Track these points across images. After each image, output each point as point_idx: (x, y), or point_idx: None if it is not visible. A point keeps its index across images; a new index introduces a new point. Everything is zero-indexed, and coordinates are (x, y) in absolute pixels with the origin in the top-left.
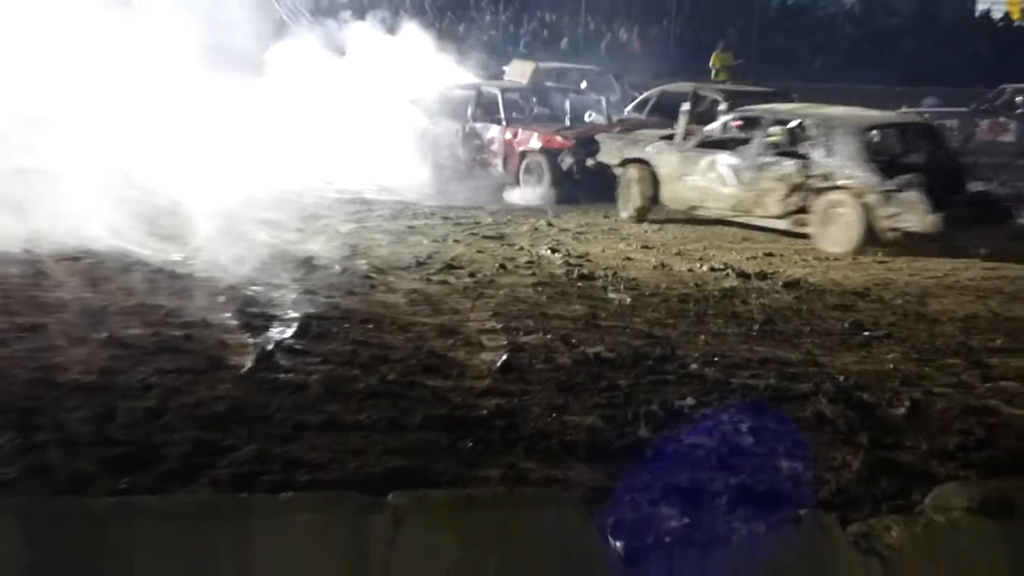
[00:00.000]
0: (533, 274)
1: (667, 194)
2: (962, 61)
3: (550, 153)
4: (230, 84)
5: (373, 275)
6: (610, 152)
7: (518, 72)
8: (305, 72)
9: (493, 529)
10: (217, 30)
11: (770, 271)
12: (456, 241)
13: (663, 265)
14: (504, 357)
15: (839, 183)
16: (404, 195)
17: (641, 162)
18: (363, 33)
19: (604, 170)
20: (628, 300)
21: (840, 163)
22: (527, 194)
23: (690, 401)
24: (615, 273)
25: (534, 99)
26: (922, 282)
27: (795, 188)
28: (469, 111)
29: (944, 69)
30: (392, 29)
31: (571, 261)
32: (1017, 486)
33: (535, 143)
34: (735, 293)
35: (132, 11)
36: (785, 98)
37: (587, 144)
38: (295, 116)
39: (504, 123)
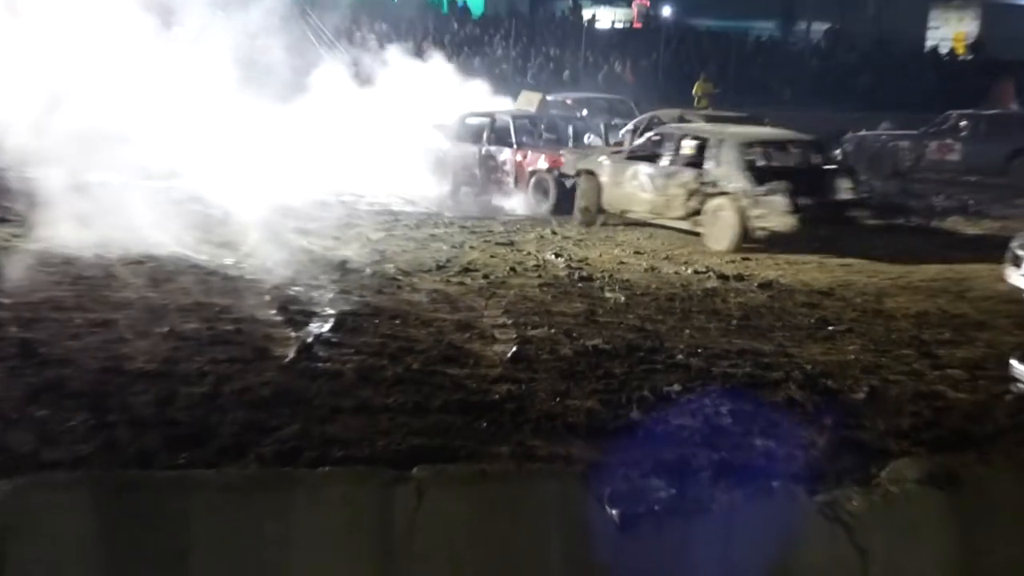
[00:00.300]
0: (539, 276)
1: (606, 199)
2: (913, 91)
3: (555, 172)
4: (274, 107)
5: (400, 277)
6: (570, 164)
7: (526, 101)
8: (340, 97)
9: (504, 499)
10: (261, 57)
11: (746, 273)
12: (472, 247)
13: (653, 268)
14: (514, 349)
15: (722, 189)
16: (427, 207)
17: (590, 172)
18: (393, 64)
19: None
20: (622, 299)
21: (724, 172)
22: (535, 207)
23: (677, 387)
24: (611, 275)
25: (541, 125)
26: (879, 283)
27: (692, 194)
28: (484, 136)
29: (898, 97)
30: (416, 62)
31: (572, 265)
32: (962, 461)
33: (543, 163)
34: (716, 293)
35: (179, 37)
36: (758, 122)
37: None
38: (332, 136)
39: (515, 146)
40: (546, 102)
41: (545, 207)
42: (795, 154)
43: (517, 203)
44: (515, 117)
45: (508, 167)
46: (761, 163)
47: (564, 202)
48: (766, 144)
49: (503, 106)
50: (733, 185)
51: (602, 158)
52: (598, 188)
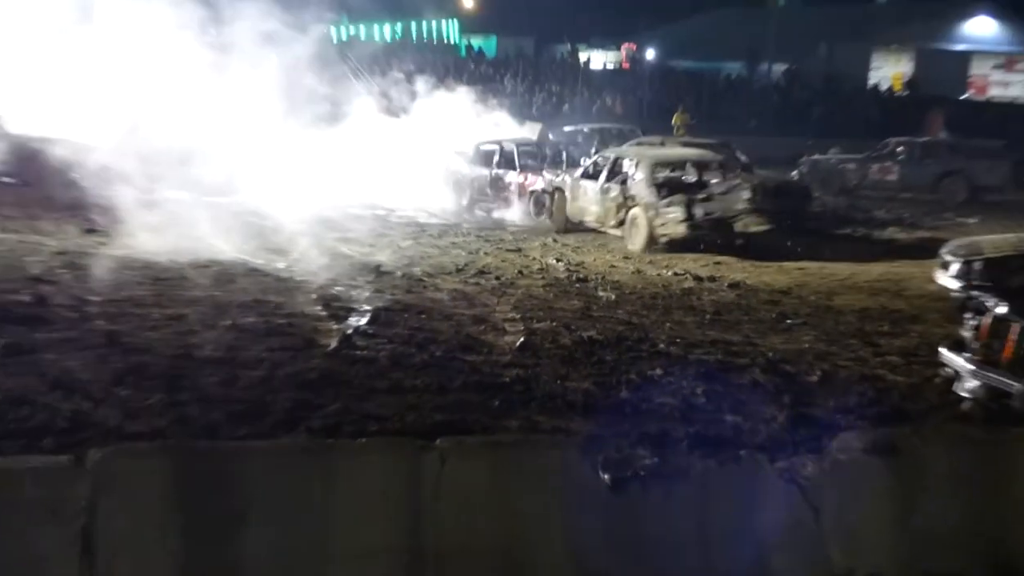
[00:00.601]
0: (543, 278)
1: (570, 211)
2: (858, 121)
3: (542, 191)
4: (320, 133)
5: (425, 278)
6: (547, 183)
7: (529, 130)
8: (374, 125)
9: (514, 465)
10: (309, 90)
11: (718, 275)
12: (486, 254)
13: (639, 271)
14: (521, 339)
15: (637, 202)
16: (448, 219)
17: (558, 189)
18: (419, 97)
19: None
20: (613, 297)
21: (638, 188)
22: (534, 220)
23: (659, 371)
24: (603, 277)
25: (543, 151)
26: (830, 284)
27: (619, 206)
28: (495, 160)
29: (845, 127)
30: (440, 95)
31: (571, 268)
32: (899, 433)
33: (540, 183)
34: (692, 292)
35: (239, 72)
36: (728, 148)
37: None
38: (366, 158)
39: (519, 169)
40: (546, 131)
41: (542, 219)
42: (704, 171)
43: (520, 216)
44: (519, 144)
45: (513, 187)
46: (669, 179)
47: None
48: (676, 164)
49: (511, 134)
50: (644, 198)
51: (565, 177)
52: (564, 202)
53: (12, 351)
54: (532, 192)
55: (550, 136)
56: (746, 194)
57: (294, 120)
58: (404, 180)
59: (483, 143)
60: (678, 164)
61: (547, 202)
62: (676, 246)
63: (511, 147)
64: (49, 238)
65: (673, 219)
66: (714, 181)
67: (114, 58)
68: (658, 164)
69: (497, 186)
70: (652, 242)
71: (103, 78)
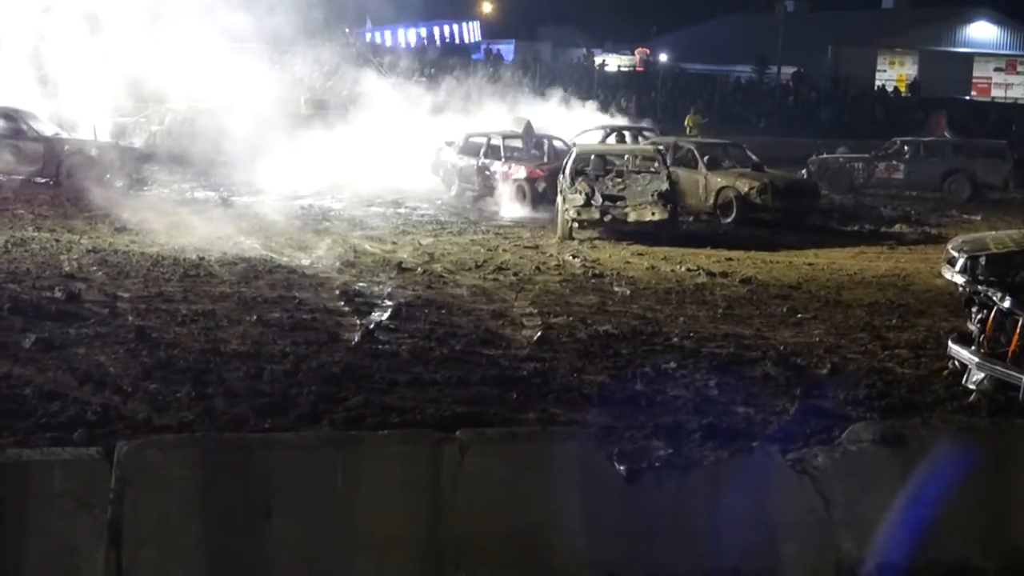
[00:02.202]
0: (559, 274)
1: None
2: (865, 121)
3: (531, 180)
4: (342, 129)
5: (445, 275)
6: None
7: (515, 124)
8: (389, 120)
9: (531, 456)
10: (337, 89)
11: (730, 271)
12: (504, 251)
13: (653, 267)
14: (539, 333)
15: (563, 191)
16: (440, 207)
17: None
18: (439, 97)
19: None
20: (628, 292)
21: (566, 177)
22: (517, 210)
23: (673, 364)
24: (618, 273)
25: (528, 143)
26: (839, 279)
27: (560, 192)
28: (482, 151)
29: (852, 127)
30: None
31: (587, 264)
32: (908, 424)
33: (522, 173)
34: (705, 287)
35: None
36: (739, 148)
37: (557, 175)
38: (377, 151)
39: (504, 159)
40: (531, 125)
41: (525, 209)
42: (633, 163)
43: (504, 204)
44: (505, 136)
45: (498, 176)
46: (589, 169)
47: (538, 203)
48: (604, 156)
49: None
50: (566, 185)
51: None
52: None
53: (44, 346)
54: (514, 181)
55: (535, 130)
56: (659, 187)
57: (322, 119)
58: (404, 170)
59: (472, 134)
60: (605, 155)
61: (527, 191)
62: (584, 232)
63: (497, 138)
64: (82, 236)
65: (575, 204)
66: (638, 174)
67: (148, 55)
68: (584, 155)
69: (483, 175)
70: (566, 226)
71: (136, 75)
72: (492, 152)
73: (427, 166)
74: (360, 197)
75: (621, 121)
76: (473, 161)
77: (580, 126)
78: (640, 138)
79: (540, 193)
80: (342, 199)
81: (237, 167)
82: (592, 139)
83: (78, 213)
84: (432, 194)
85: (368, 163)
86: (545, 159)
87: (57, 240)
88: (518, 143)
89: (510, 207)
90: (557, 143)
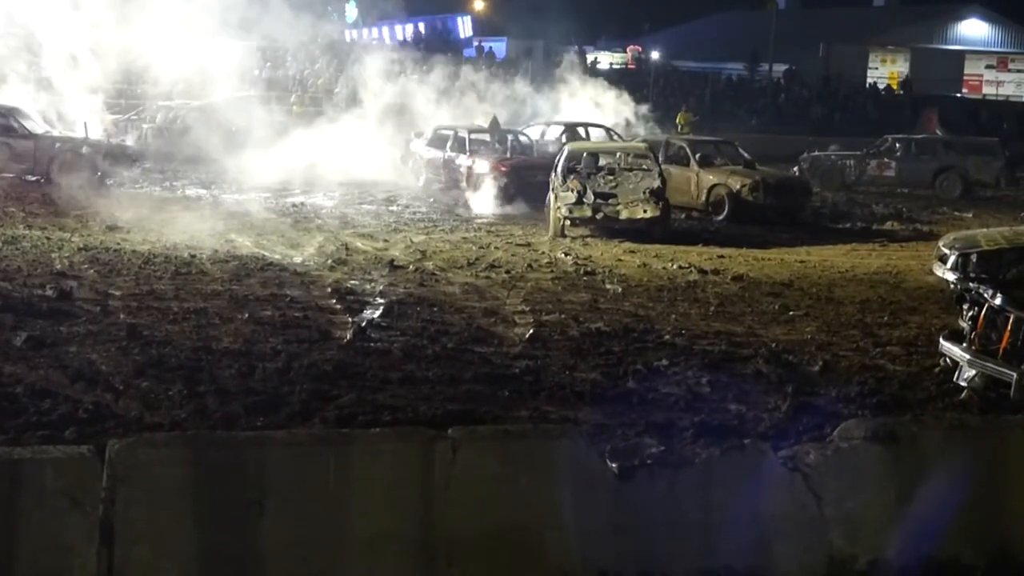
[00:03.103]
0: (551, 271)
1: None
2: (856, 119)
3: (494, 174)
4: (319, 127)
5: (437, 272)
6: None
7: (484, 120)
8: (373, 114)
9: (523, 453)
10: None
11: (722, 268)
12: (496, 248)
13: (644, 264)
14: (531, 331)
15: (555, 188)
16: (409, 199)
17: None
18: (425, 94)
19: (531, 185)
20: (620, 290)
21: (558, 174)
22: (481, 203)
23: (665, 362)
24: (610, 270)
25: (493, 138)
26: (830, 276)
27: (553, 190)
28: (448, 144)
29: (843, 124)
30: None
31: (579, 262)
32: (899, 422)
33: (484, 167)
34: (697, 284)
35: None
36: (731, 145)
37: (519, 169)
38: (360, 145)
39: (468, 154)
40: (497, 120)
41: (488, 202)
42: (624, 161)
43: (468, 196)
44: (471, 131)
45: (463, 170)
46: (581, 167)
47: (501, 197)
48: (596, 154)
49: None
50: (557, 183)
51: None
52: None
53: (36, 344)
54: (478, 175)
55: (501, 124)
56: (651, 184)
57: (320, 119)
58: (377, 163)
59: (440, 127)
60: (596, 154)
61: (490, 184)
62: (576, 226)
63: (464, 133)
64: (73, 234)
65: (567, 201)
66: (629, 171)
67: (139, 52)
68: (576, 152)
69: (449, 168)
70: (559, 224)
71: (127, 73)
72: (458, 145)
73: (398, 158)
74: (345, 193)
75: (579, 119)
76: (440, 153)
77: (541, 122)
78: (613, 136)
79: (503, 187)
80: (333, 196)
81: (228, 165)
82: (549, 135)
83: (69, 211)
84: (400, 185)
85: (350, 157)
86: (508, 154)
87: (48, 238)
88: (484, 137)
89: (475, 199)
90: (523, 139)
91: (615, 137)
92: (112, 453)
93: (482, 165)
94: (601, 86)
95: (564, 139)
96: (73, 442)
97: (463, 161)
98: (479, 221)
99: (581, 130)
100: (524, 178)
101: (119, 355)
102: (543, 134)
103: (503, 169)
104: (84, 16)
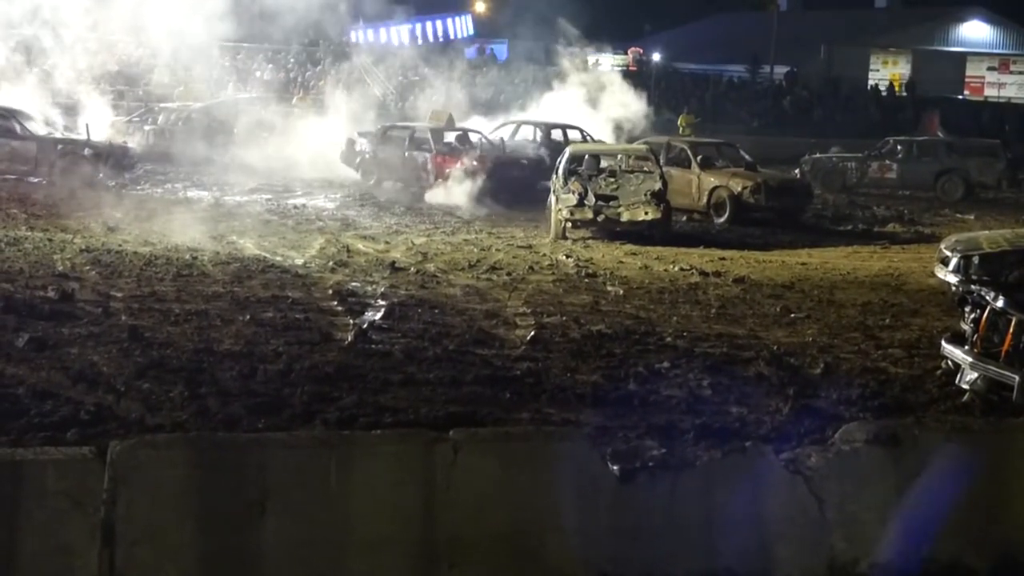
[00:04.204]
0: (553, 273)
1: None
2: (858, 121)
3: (470, 172)
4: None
5: (438, 274)
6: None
7: (436, 118)
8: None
9: (525, 455)
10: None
11: (723, 271)
12: (497, 250)
13: (646, 267)
14: (532, 333)
15: (556, 190)
16: (360, 196)
17: None
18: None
19: (505, 182)
20: (621, 292)
21: (559, 176)
22: (454, 199)
23: (666, 364)
24: (611, 272)
25: (454, 136)
26: (832, 278)
27: (553, 191)
28: (406, 143)
29: (845, 126)
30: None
31: (580, 264)
32: (901, 424)
33: (461, 165)
34: (698, 287)
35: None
36: (732, 148)
37: (494, 167)
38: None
39: (433, 152)
40: (453, 119)
41: (460, 199)
42: (626, 163)
43: (435, 193)
44: (432, 130)
45: (429, 167)
46: (586, 170)
47: (478, 195)
48: (597, 156)
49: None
50: (559, 185)
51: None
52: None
53: (38, 345)
54: (449, 172)
55: (456, 124)
56: (652, 186)
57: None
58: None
59: (391, 126)
60: (597, 156)
61: (464, 180)
62: (579, 227)
63: (424, 132)
64: (75, 235)
65: (568, 204)
66: (631, 173)
67: (141, 54)
68: (577, 155)
69: (409, 166)
70: (560, 226)
71: (130, 75)
72: (417, 144)
73: (337, 156)
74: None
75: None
76: (396, 152)
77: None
78: (587, 138)
79: (479, 184)
80: (335, 198)
81: (229, 166)
82: (505, 133)
83: (71, 212)
84: (345, 182)
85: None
86: (479, 151)
87: (50, 239)
88: (449, 135)
89: (443, 197)
90: (477, 137)
91: (589, 138)
92: (113, 454)
93: (455, 162)
94: (603, 86)
95: (539, 139)
96: (75, 443)
97: (428, 159)
98: (480, 224)
99: (557, 132)
100: (501, 174)
101: (120, 357)
102: (514, 133)
103: (478, 166)
104: (88, 18)
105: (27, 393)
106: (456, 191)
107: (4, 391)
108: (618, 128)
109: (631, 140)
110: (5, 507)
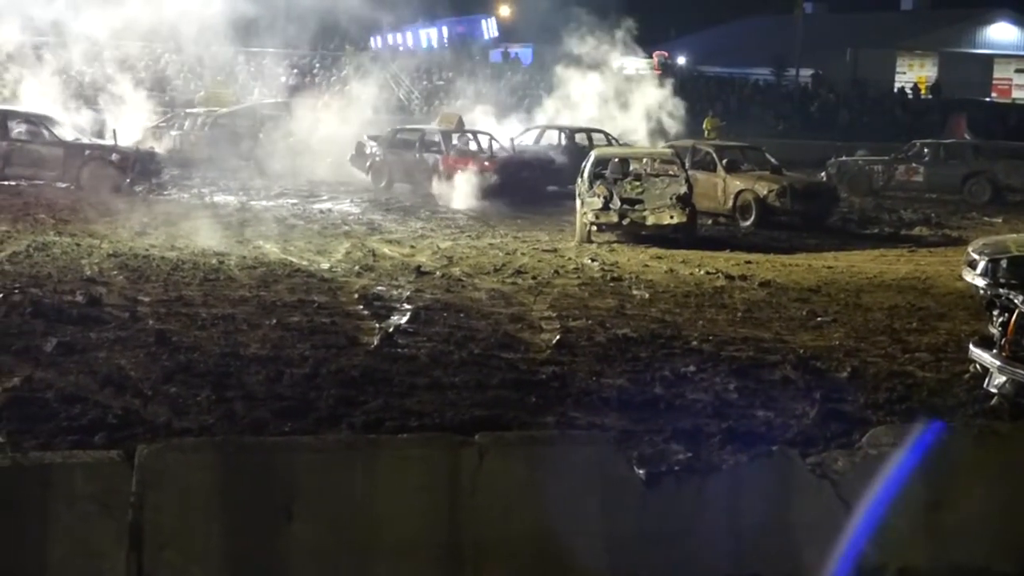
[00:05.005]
0: (578, 277)
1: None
2: (884, 123)
3: (481, 173)
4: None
5: (464, 278)
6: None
7: (446, 121)
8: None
9: (550, 460)
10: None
11: (749, 274)
12: (523, 254)
13: (671, 270)
14: (558, 336)
15: (581, 194)
16: (373, 197)
17: None
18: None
19: (514, 183)
20: (646, 295)
21: (584, 179)
22: (465, 201)
23: (692, 368)
24: (637, 276)
25: (466, 138)
26: (858, 282)
27: (579, 195)
28: (417, 145)
29: (871, 129)
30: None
31: (605, 268)
32: (929, 428)
33: (472, 167)
34: (724, 290)
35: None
36: (758, 151)
37: (504, 168)
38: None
39: (445, 153)
40: (462, 122)
41: (474, 201)
42: (651, 166)
43: (446, 195)
44: (443, 132)
45: (441, 169)
46: (607, 172)
47: (488, 196)
48: (623, 159)
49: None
50: (584, 189)
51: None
52: None
53: (66, 350)
54: (463, 174)
55: (464, 126)
56: (677, 190)
57: (339, 126)
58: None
59: (400, 129)
60: (624, 160)
61: (477, 183)
62: (604, 231)
63: (435, 134)
64: (102, 240)
65: (593, 208)
66: (656, 177)
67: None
68: (602, 159)
69: (421, 168)
70: (585, 229)
71: (157, 80)
72: (428, 146)
73: (347, 160)
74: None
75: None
76: (407, 154)
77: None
78: (611, 142)
79: (489, 186)
80: (360, 202)
81: (255, 171)
82: (530, 138)
83: (99, 217)
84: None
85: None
86: (491, 154)
87: (78, 244)
88: (461, 137)
89: (457, 199)
90: (487, 139)
91: (613, 142)
92: (141, 458)
93: (468, 164)
94: (630, 90)
95: (563, 144)
96: (102, 447)
97: (439, 161)
98: (504, 228)
99: (581, 136)
100: (510, 176)
101: (148, 361)
102: (538, 138)
103: (490, 168)
104: (118, 22)
105: (55, 397)
106: (466, 193)
107: (33, 395)
108: (656, 131)
109: (676, 138)
110: (34, 510)
